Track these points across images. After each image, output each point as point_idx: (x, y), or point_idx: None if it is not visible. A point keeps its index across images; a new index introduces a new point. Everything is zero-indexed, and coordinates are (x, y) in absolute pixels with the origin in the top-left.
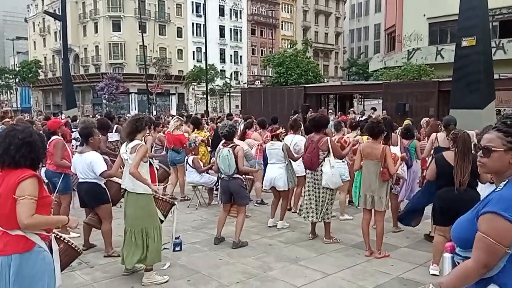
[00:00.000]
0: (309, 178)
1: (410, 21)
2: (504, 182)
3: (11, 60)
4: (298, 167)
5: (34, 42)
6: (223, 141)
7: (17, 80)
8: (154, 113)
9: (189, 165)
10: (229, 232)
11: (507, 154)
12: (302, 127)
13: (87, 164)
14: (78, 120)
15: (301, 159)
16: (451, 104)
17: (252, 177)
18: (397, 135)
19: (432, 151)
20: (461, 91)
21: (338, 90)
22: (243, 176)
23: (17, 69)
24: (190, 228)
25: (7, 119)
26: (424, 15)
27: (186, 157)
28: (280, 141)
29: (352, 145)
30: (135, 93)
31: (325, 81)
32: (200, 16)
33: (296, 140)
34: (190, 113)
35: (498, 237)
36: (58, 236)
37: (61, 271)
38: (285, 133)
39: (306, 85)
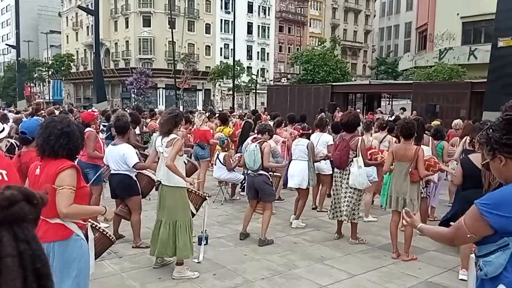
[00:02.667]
0: (337, 177)
1: (443, 20)
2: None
3: (45, 54)
4: (325, 165)
5: (67, 36)
6: (253, 136)
7: (50, 73)
8: (181, 108)
9: (220, 161)
10: (254, 228)
11: (494, 162)
12: (329, 126)
13: (120, 156)
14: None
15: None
16: (484, 106)
17: (279, 174)
18: (429, 136)
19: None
20: (496, 93)
21: (366, 89)
22: (270, 173)
23: (50, 62)
24: (215, 223)
25: (42, 111)
26: (458, 14)
27: (217, 153)
28: (308, 139)
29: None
30: (163, 88)
31: (353, 79)
32: (229, 12)
33: (323, 139)
34: (219, 110)
35: (468, 221)
36: (94, 225)
37: (95, 259)
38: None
39: (334, 83)
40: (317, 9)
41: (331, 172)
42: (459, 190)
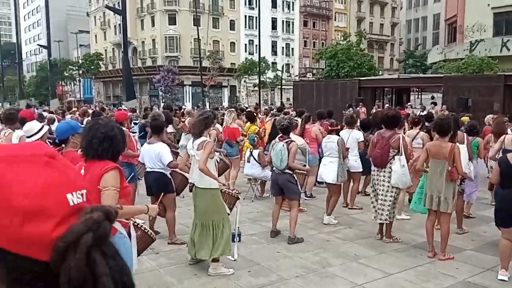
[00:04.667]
0: (376, 176)
1: (473, 11)
2: None
3: (75, 53)
4: (355, 162)
5: (96, 35)
6: (280, 134)
7: (80, 72)
8: (207, 105)
9: (254, 158)
10: (284, 226)
11: None
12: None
13: (155, 154)
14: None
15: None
16: None
17: (305, 172)
18: (463, 132)
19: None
20: None
21: (394, 83)
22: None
23: (80, 61)
24: (246, 220)
25: (74, 109)
26: (489, 4)
27: (250, 150)
28: (338, 135)
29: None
30: (189, 85)
31: (380, 73)
32: (253, 8)
33: (353, 135)
34: (244, 107)
35: None
36: (136, 224)
37: (137, 256)
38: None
39: (361, 78)
40: (342, 3)
41: (361, 170)
42: (499, 189)
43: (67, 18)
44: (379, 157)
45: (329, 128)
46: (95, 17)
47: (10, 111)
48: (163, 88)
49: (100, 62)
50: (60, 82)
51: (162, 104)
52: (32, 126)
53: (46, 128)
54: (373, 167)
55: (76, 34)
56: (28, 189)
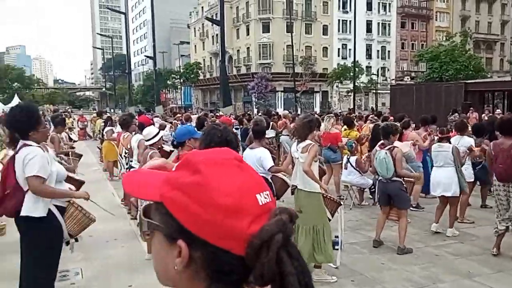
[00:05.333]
0: (501, 192)
1: None
2: None
3: (177, 63)
4: (465, 171)
5: (195, 45)
6: (380, 142)
7: (181, 80)
8: (299, 110)
9: (351, 165)
10: (388, 236)
11: None
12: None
13: (257, 159)
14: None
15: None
16: None
17: (412, 179)
18: None
19: None
20: None
21: (507, 87)
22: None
23: (181, 70)
24: (346, 228)
25: (179, 115)
26: None
27: (348, 156)
28: (449, 142)
29: None
30: (281, 91)
31: (489, 76)
32: (347, 12)
33: (463, 142)
34: (339, 112)
35: None
36: None
37: None
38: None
39: (467, 81)
40: (444, 1)
41: (473, 179)
42: None
43: (170, 31)
44: (503, 172)
45: (439, 135)
46: (195, 28)
47: (124, 117)
48: (256, 94)
49: (199, 71)
50: (163, 90)
51: (255, 110)
52: (150, 130)
53: (162, 133)
54: (495, 182)
55: (178, 45)
56: (228, 189)
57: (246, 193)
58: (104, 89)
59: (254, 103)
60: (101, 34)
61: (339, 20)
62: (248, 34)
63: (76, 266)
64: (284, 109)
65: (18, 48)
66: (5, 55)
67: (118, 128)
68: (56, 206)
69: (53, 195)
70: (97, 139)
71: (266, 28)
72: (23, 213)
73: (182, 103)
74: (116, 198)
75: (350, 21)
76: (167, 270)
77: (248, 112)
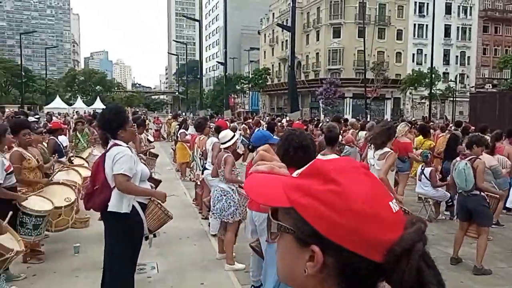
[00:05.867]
0: None
1: None
2: None
3: (246, 68)
4: None
5: (264, 51)
6: (462, 153)
7: (250, 85)
8: (368, 117)
9: (425, 176)
10: (467, 254)
11: None
12: None
13: None
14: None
15: None
16: None
17: (498, 196)
18: None
19: None
20: None
21: None
22: (487, 193)
23: (250, 76)
24: None
25: (249, 120)
26: None
27: (422, 167)
28: None
29: None
30: (350, 97)
31: None
32: (423, 16)
33: None
34: (413, 119)
35: None
36: None
37: None
38: None
39: None
40: None
41: None
42: None
43: (241, 37)
44: None
45: None
46: (265, 34)
47: (199, 120)
48: (324, 100)
49: (268, 76)
50: (232, 95)
51: (322, 116)
52: (226, 134)
53: (237, 136)
54: None
55: (248, 51)
56: (363, 196)
57: (380, 201)
58: (177, 93)
59: (322, 108)
60: (176, 41)
61: (414, 24)
62: (318, 39)
63: (152, 261)
64: (352, 116)
65: (101, 53)
66: (89, 60)
67: (190, 130)
68: (139, 203)
69: (136, 192)
70: (171, 140)
71: (336, 33)
72: (110, 208)
73: (250, 108)
74: (188, 197)
75: (426, 25)
76: (295, 273)
77: (316, 118)
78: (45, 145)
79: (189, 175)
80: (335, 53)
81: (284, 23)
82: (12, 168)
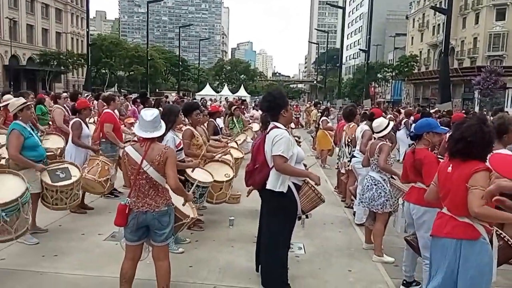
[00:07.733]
0: None
1: None
2: None
3: (389, 55)
4: None
5: (412, 37)
6: None
7: (393, 74)
8: None
9: None
10: None
11: None
12: None
13: None
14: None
15: None
16: None
17: None
18: None
19: None
20: None
21: None
22: None
23: (394, 63)
24: None
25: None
26: None
27: None
28: None
29: None
30: None
31: None
32: None
33: None
34: None
35: None
36: (498, 233)
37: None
38: None
39: None
40: None
41: None
42: None
43: (386, 23)
44: None
45: None
46: (413, 19)
47: (349, 108)
48: (481, 90)
49: (414, 64)
50: (372, 84)
51: (476, 108)
52: (382, 122)
53: (391, 124)
54: None
55: (394, 37)
56: None
57: None
58: (315, 82)
59: (477, 100)
60: (318, 29)
61: None
62: (477, 22)
63: (299, 241)
64: None
65: (246, 44)
66: (236, 51)
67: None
68: (294, 184)
69: (292, 173)
70: (310, 127)
71: (501, 15)
72: (268, 186)
73: (391, 98)
74: (329, 185)
75: None
76: None
77: (471, 111)
78: (205, 126)
79: (337, 162)
80: (497, 37)
81: (438, 6)
82: (182, 145)
